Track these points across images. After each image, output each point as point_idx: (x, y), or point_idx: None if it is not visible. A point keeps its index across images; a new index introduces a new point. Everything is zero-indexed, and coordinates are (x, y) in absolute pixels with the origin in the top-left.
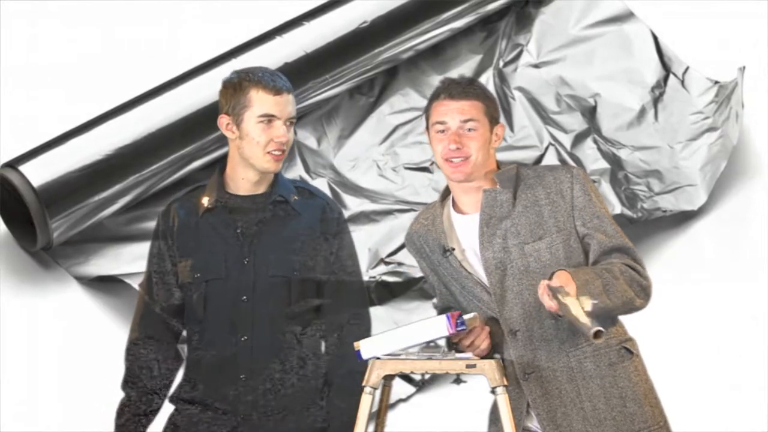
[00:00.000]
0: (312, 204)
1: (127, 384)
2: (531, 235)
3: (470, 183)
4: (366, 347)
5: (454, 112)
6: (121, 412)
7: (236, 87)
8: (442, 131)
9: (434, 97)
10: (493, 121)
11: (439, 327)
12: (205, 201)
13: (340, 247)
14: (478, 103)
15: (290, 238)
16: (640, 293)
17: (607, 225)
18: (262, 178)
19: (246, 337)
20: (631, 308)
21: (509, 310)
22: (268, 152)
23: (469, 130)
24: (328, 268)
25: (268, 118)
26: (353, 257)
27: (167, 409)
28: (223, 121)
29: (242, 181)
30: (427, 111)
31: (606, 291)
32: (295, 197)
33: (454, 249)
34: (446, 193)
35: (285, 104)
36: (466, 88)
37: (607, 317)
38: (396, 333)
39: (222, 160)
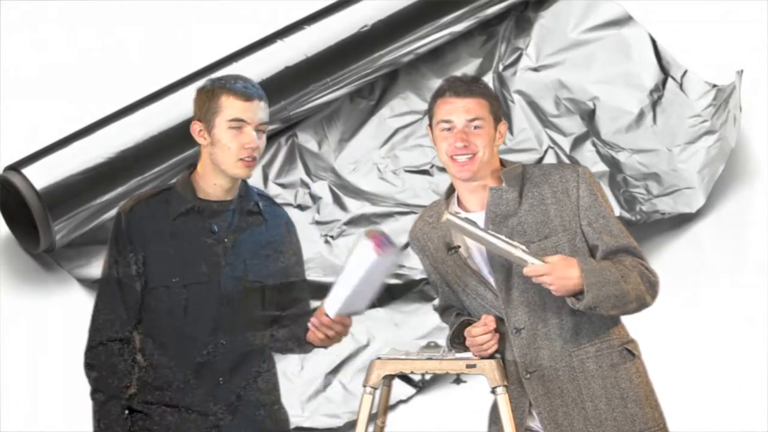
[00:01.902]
0: (275, 212)
1: (97, 390)
2: (537, 233)
3: (476, 181)
4: (329, 306)
5: (460, 111)
6: (101, 419)
7: (209, 94)
8: (448, 129)
9: (438, 95)
10: (497, 119)
11: (367, 253)
12: (179, 205)
13: (298, 259)
14: (483, 101)
15: (263, 244)
16: (649, 289)
17: (613, 225)
18: (233, 185)
19: (224, 341)
20: (642, 303)
21: (514, 308)
22: (240, 159)
23: (475, 128)
24: (293, 275)
25: (239, 124)
26: None
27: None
28: (196, 127)
29: (214, 186)
30: (430, 109)
31: (624, 278)
32: (261, 204)
33: (459, 247)
34: (450, 191)
35: (255, 110)
36: (471, 86)
37: (626, 304)
38: (339, 280)
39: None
